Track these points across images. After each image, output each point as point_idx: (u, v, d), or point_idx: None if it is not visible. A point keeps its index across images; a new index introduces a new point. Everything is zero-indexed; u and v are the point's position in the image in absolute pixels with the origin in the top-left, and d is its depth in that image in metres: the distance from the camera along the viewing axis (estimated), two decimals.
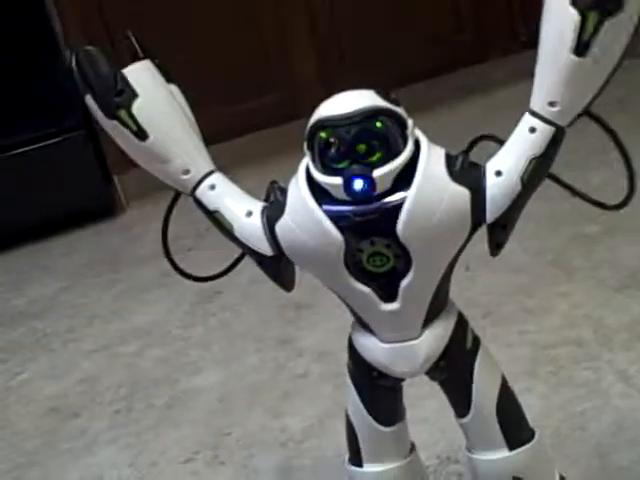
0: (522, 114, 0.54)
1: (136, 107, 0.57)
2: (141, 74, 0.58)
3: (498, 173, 0.53)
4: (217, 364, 1.19)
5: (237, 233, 0.58)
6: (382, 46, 2.02)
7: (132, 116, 0.57)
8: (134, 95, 0.57)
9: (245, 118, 1.98)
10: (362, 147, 0.51)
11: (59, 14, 1.85)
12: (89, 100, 0.58)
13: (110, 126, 0.58)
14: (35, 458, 1.08)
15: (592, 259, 1.23)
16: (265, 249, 0.57)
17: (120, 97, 0.57)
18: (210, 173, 0.60)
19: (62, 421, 1.15)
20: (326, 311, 1.26)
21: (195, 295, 1.42)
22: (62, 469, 1.04)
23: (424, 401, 0.89)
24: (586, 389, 0.93)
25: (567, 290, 1.15)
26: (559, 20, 0.49)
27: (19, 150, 1.83)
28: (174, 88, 0.60)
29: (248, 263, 0.61)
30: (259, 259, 0.58)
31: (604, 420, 0.87)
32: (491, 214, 0.53)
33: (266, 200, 0.58)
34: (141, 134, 0.57)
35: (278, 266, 0.58)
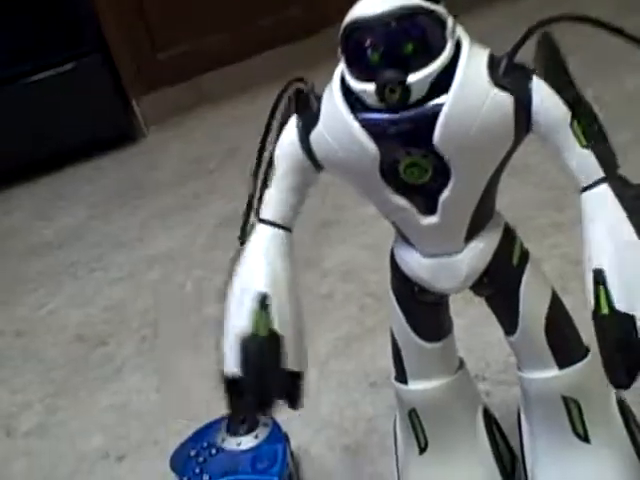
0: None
1: None
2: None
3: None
4: None
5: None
6: None
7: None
8: None
9: (269, 33, 1.92)
10: (397, 49, 0.47)
11: None
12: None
13: None
14: (64, 386, 1.09)
15: (624, 170, 1.18)
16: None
17: None
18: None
19: (89, 349, 1.15)
20: (351, 229, 1.24)
21: (217, 218, 1.40)
22: (91, 396, 1.05)
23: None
24: None
25: None
26: None
27: (33, 77, 1.79)
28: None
29: None
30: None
31: None
32: (538, 122, 0.49)
33: (279, 100, 0.55)
34: None
35: None
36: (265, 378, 0.54)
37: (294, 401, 0.57)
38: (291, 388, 0.56)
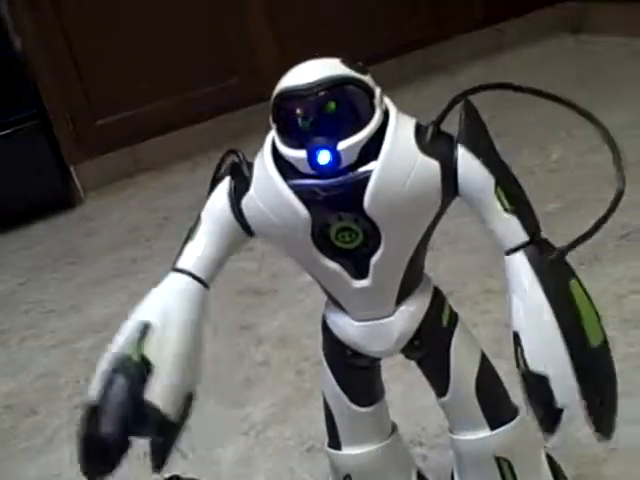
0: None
1: None
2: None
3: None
4: None
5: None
6: (340, 28, 2.00)
7: None
8: None
9: (208, 102, 1.95)
10: (327, 118, 0.48)
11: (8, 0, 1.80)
12: None
13: None
14: None
15: (552, 237, 1.22)
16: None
17: None
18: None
19: (19, 419, 1.12)
20: (287, 297, 1.24)
21: (153, 285, 1.39)
22: (19, 468, 1.01)
23: (388, 385, 0.88)
24: None
25: None
26: None
27: None
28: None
29: None
30: None
31: None
32: (463, 188, 0.51)
33: (217, 172, 0.56)
34: None
35: None
36: (122, 403, 0.50)
37: (157, 457, 0.52)
38: (156, 435, 0.52)
